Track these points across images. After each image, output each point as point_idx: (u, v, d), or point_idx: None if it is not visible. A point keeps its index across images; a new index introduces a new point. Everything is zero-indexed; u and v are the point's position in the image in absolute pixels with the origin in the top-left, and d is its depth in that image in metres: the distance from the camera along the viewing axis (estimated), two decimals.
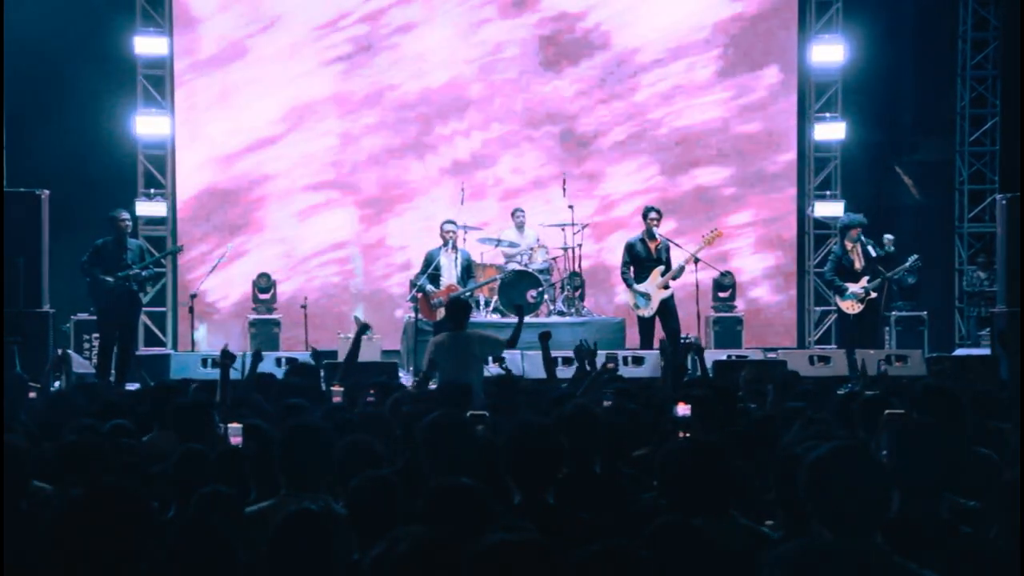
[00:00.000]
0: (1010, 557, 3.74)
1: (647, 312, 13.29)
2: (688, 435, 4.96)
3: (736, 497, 4.30)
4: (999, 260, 14.61)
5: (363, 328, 9.80)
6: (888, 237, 15.08)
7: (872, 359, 12.21)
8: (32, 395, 7.44)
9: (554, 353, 10.04)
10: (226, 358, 7.69)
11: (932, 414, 5.17)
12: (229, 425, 5.58)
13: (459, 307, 10.18)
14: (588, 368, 8.95)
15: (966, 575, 3.67)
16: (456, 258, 13.30)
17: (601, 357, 9.21)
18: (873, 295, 13.42)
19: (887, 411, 5.26)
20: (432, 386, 9.15)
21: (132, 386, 11.21)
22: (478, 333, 10.14)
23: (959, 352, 15.48)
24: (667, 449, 4.37)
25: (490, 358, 10.36)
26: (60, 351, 11.70)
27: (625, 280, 13.50)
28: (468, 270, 13.43)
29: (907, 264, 13.64)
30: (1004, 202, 14.42)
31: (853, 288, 13.31)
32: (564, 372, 10.40)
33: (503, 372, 9.33)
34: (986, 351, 14.80)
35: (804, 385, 8.64)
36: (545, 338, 9.42)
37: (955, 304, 17.38)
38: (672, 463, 4.22)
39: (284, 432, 4.87)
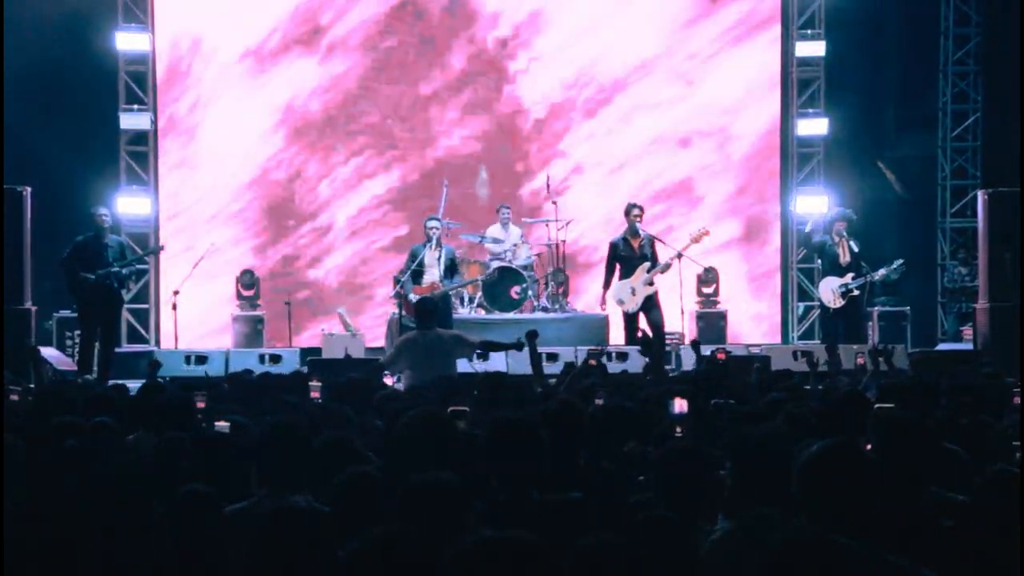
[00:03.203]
0: (993, 551, 3.75)
1: (631, 307, 13.27)
2: (682, 431, 4.97)
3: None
4: (980, 255, 14.66)
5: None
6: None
7: (853, 354, 12.23)
8: (14, 397, 7.33)
9: (539, 349, 10.05)
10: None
11: (915, 408, 5.18)
12: (215, 423, 5.54)
13: (426, 307, 10.29)
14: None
15: (949, 569, 3.68)
16: (440, 255, 13.21)
17: (583, 352, 9.23)
18: (855, 292, 13.55)
19: (876, 405, 5.28)
20: (391, 380, 9.21)
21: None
22: (451, 333, 10.22)
23: (941, 347, 15.53)
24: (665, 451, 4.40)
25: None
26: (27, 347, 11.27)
27: (606, 280, 13.41)
28: (452, 267, 13.33)
29: (893, 266, 13.74)
30: (986, 197, 14.46)
31: (838, 281, 13.55)
32: (550, 368, 10.42)
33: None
34: (968, 346, 14.86)
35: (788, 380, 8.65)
36: (532, 336, 9.41)
37: (938, 299, 17.44)
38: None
39: (262, 430, 4.83)
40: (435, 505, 3.87)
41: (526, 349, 9.18)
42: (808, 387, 8.45)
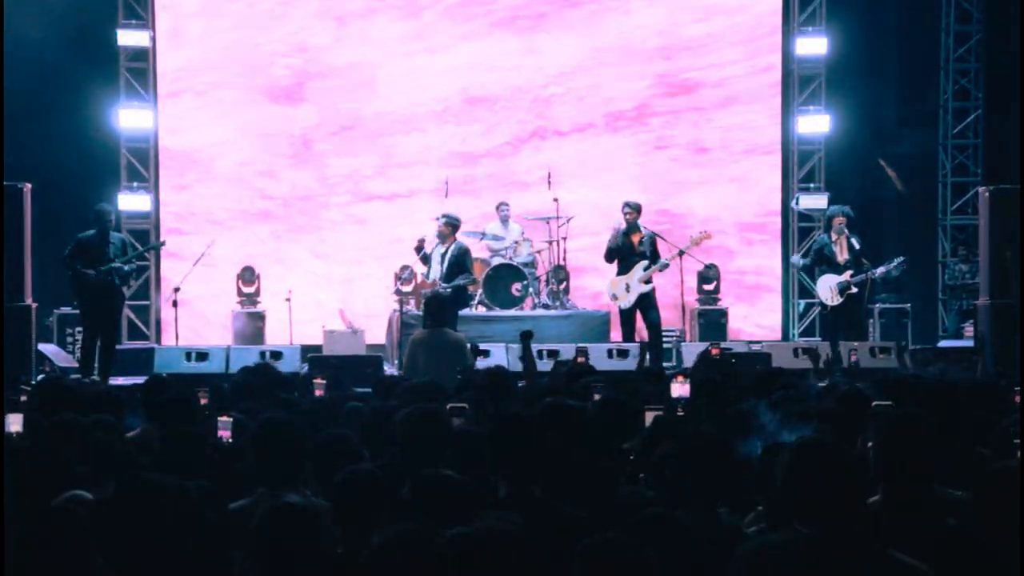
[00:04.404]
0: (995, 548, 3.75)
1: (624, 303, 13.28)
2: (684, 413, 4.97)
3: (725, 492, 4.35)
4: (981, 252, 14.65)
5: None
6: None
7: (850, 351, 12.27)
8: (24, 398, 7.31)
9: (539, 346, 10.07)
10: None
11: (914, 405, 5.18)
12: (219, 419, 5.55)
13: (434, 304, 10.30)
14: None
15: (952, 566, 3.67)
16: (445, 253, 13.04)
17: (572, 350, 9.22)
18: (854, 290, 13.52)
19: (874, 403, 5.28)
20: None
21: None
22: (457, 337, 10.20)
23: (942, 344, 15.52)
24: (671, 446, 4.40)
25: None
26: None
27: (606, 259, 13.47)
28: (458, 264, 13.07)
29: (893, 264, 13.72)
30: (987, 194, 14.46)
31: (836, 279, 13.51)
32: (545, 365, 10.43)
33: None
34: (969, 343, 14.86)
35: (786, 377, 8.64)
36: (527, 337, 9.40)
37: (939, 296, 17.44)
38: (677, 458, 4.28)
39: (256, 427, 4.82)
40: (447, 499, 3.88)
41: (520, 347, 9.19)
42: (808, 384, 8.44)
